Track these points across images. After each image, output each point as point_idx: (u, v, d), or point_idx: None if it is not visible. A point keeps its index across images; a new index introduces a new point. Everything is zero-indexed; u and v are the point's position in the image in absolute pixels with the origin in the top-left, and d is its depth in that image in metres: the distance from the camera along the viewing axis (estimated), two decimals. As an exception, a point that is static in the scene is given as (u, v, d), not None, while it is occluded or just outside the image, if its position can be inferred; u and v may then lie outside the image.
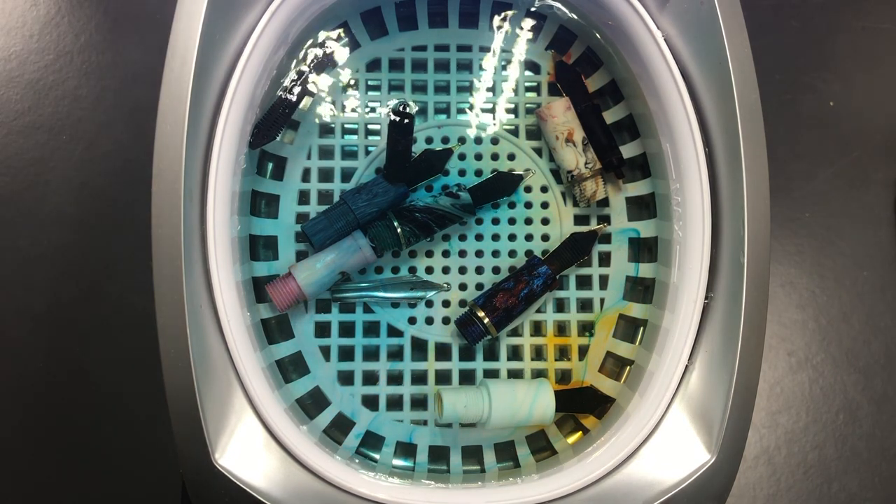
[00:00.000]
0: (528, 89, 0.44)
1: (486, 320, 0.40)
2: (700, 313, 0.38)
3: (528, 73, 0.44)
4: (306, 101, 0.42)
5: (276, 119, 0.40)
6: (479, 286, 0.42)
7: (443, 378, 0.42)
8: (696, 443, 0.36)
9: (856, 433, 0.46)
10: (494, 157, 0.43)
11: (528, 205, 0.43)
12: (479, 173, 0.43)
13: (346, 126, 0.43)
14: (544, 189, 0.43)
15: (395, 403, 0.42)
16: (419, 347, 0.42)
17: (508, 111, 0.44)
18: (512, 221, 0.43)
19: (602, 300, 0.43)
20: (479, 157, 0.43)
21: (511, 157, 0.43)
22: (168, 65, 0.34)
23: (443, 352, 0.42)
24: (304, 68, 0.41)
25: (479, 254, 0.43)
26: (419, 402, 0.42)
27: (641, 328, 0.42)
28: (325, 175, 0.42)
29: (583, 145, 0.42)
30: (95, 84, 0.47)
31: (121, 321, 0.45)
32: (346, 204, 0.40)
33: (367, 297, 0.41)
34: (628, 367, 0.42)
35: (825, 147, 0.49)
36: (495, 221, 0.43)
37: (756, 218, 0.36)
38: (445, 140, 0.43)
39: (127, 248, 0.45)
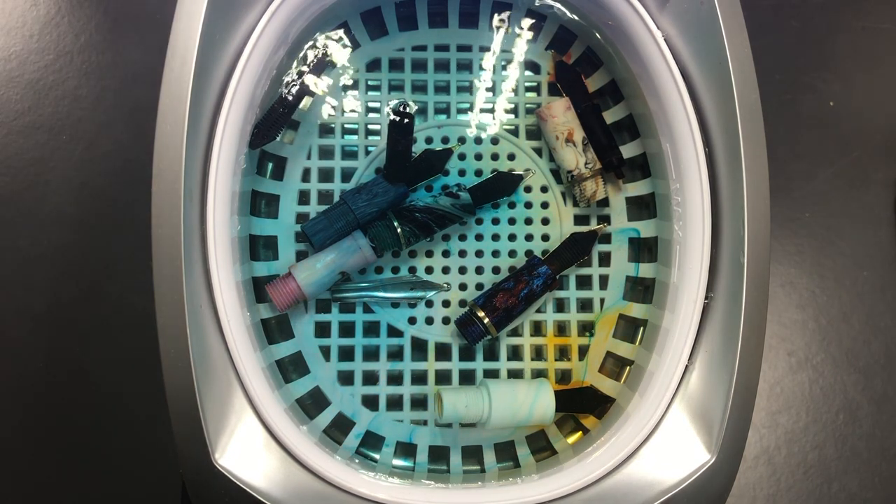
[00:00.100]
0: (528, 89, 0.44)
1: (486, 320, 0.40)
2: (700, 313, 0.38)
3: (528, 73, 0.44)
4: (306, 101, 0.42)
5: (276, 119, 0.40)
6: (479, 286, 0.42)
7: (443, 378, 0.42)
8: (696, 443, 0.36)
9: (856, 433, 0.46)
10: (494, 157, 0.43)
11: (528, 205, 0.43)
12: (479, 173, 0.43)
13: (346, 126, 0.43)
14: (544, 189, 0.43)
15: (395, 403, 0.42)
16: (419, 347, 0.42)
17: (508, 111, 0.44)
18: (512, 221, 0.43)
19: (602, 300, 0.43)
20: (479, 157, 0.43)
21: (511, 157, 0.43)
22: (168, 65, 0.34)
23: (443, 352, 0.42)
24: (304, 68, 0.41)
25: (479, 254, 0.43)
26: (419, 402, 0.42)
27: (641, 328, 0.42)
28: (325, 175, 0.42)
29: (583, 145, 0.42)
30: (95, 84, 0.47)
31: (121, 321, 0.45)
32: (346, 204, 0.40)
33: (367, 297, 0.41)
34: (628, 367, 0.42)
35: (825, 147, 0.49)
36: (495, 221, 0.43)
37: (756, 218, 0.36)
38: (445, 140, 0.43)
39: (127, 248, 0.45)
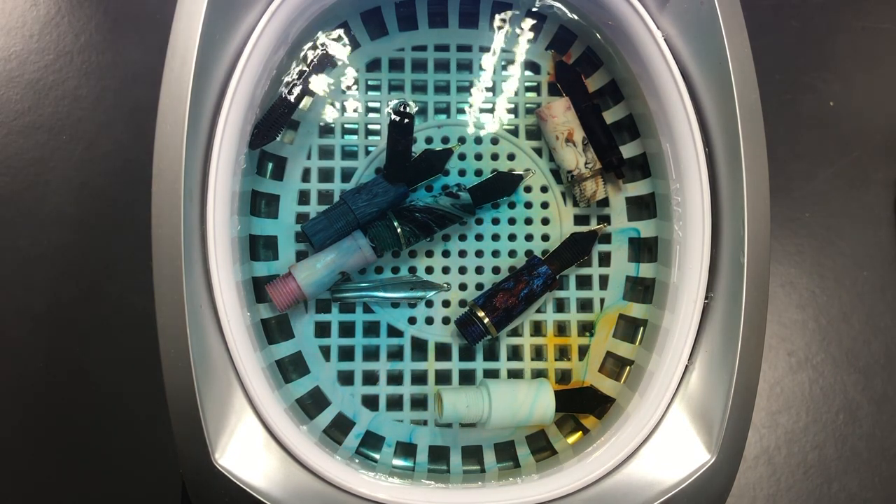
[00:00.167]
0: (528, 89, 0.44)
1: (486, 320, 0.40)
2: (700, 313, 0.38)
3: (528, 73, 0.44)
4: (306, 101, 0.42)
5: (276, 119, 0.40)
6: (479, 286, 0.42)
7: (443, 378, 0.42)
8: (696, 443, 0.36)
9: (856, 433, 0.46)
10: (494, 157, 0.43)
11: (528, 205, 0.43)
12: (479, 173, 0.43)
13: (346, 126, 0.43)
14: (544, 189, 0.43)
15: (395, 403, 0.42)
16: (419, 347, 0.42)
17: (508, 111, 0.44)
18: (512, 221, 0.43)
19: (602, 300, 0.43)
20: (479, 157, 0.43)
21: (511, 157, 0.43)
22: (168, 65, 0.34)
23: (443, 352, 0.42)
24: (305, 68, 0.41)
25: (479, 254, 0.43)
26: (419, 402, 0.42)
27: (641, 328, 0.42)
28: (325, 175, 0.42)
29: (583, 145, 0.42)
30: (95, 84, 0.47)
31: (121, 321, 0.45)
32: (346, 204, 0.40)
33: (367, 297, 0.41)
34: (628, 367, 0.42)
35: (825, 147, 0.49)
36: (495, 221, 0.43)
37: (756, 218, 0.36)
38: (445, 140, 0.43)
39: (127, 248, 0.45)
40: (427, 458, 0.40)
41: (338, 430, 0.41)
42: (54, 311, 0.45)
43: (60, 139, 0.47)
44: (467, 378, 0.42)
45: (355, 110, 0.43)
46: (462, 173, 0.43)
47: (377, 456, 0.40)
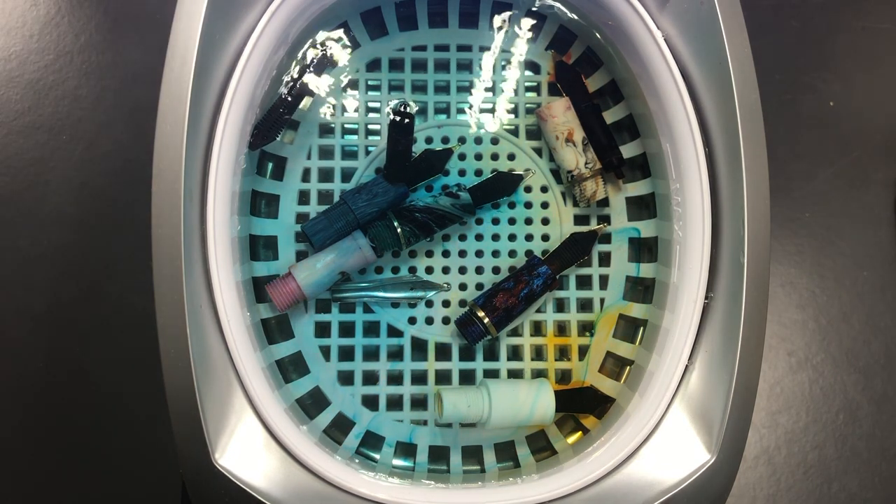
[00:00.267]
0: (528, 89, 0.44)
1: (486, 320, 0.40)
2: (700, 313, 0.38)
3: (528, 73, 0.44)
4: (306, 101, 0.42)
5: (275, 120, 0.40)
6: (479, 286, 0.42)
7: (443, 378, 0.42)
8: (696, 443, 0.36)
9: (856, 433, 0.46)
10: (494, 157, 0.43)
11: (528, 205, 0.43)
12: (479, 173, 0.43)
13: (346, 126, 0.43)
14: (544, 189, 0.43)
15: (395, 403, 0.42)
16: (419, 347, 0.42)
17: (508, 111, 0.44)
18: (512, 221, 0.43)
19: (602, 300, 0.43)
20: (479, 157, 0.43)
21: (511, 157, 0.43)
22: (168, 65, 0.34)
23: (443, 352, 0.42)
24: (305, 68, 0.41)
25: (479, 254, 0.43)
26: (419, 402, 0.42)
27: (641, 328, 0.42)
28: (325, 175, 0.42)
29: (583, 145, 0.42)
30: (95, 84, 0.47)
31: (121, 321, 0.45)
32: (346, 204, 0.40)
33: (367, 297, 0.41)
34: (628, 367, 0.42)
35: (825, 147, 0.49)
36: (495, 221, 0.43)
37: (756, 218, 0.36)
38: (445, 140, 0.43)
39: (127, 248, 0.45)
40: (427, 458, 0.40)
41: (338, 430, 0.41)
42: (54, 311, 0.45)
43: (60, 139, 0.47)
44: (467, 378, 0.42)
45: (355, 110, 0.43)
46: (462, 173, 0.43)
47: (377, 456, 0.40)
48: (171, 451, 0.41)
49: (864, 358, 0.47)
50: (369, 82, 0.43)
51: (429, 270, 0.42)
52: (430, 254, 0.43)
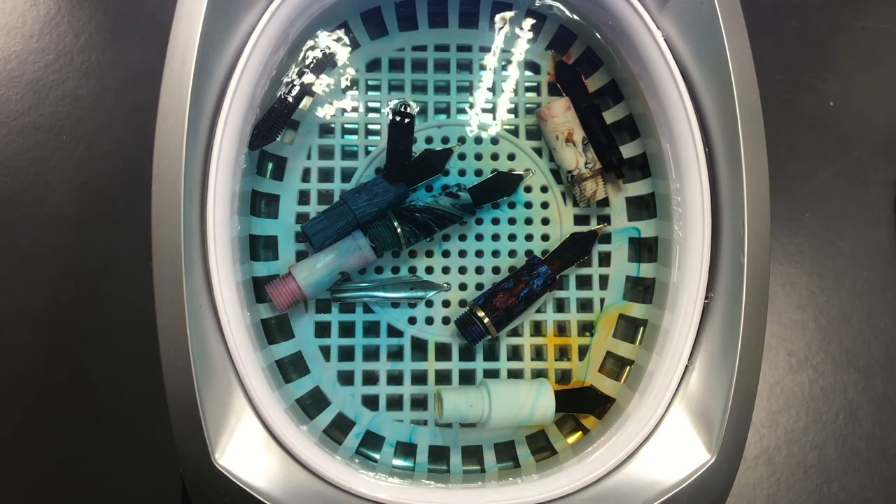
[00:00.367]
0: (528, 89, 0.44)
1: (486, 320, 0.40)
2: (700, 313, 0.38)
3: (528, 73, 0.44)
4: (306, 101, 0.42)
5: (275, 120, 0.40)
6: (479, 286, 0.42)
7: (443, 378, 0.42)
8: (696, 443, 0.36)
9: (856, 433, 0.46)
10: (494, 157, 0.43)
11: (528, 205, 0.43)
12: (479, 173, 0.43)
13: (346, 126, 0.43)
14: (544, 189, 0.43)
15: (395, 403, 0.42)
16: (419, 347, 0.42)
17: (508, 111, 0.44)
18: (512, 221, 0.43)
19: (602, 300, 0.43)
20: (479, 157, 0.43)
21: (511, 157, 0.43)
22: (168, 65, 0.34)
23: (443, 352, 0.42)
24: (304, 68, 0.41)
25: (479, 254, 0.43)
26: (419, 402, 0.42)
27: (641, 328, 0.42)
28: (325, 175, 0.42)
29: (583, 145, 0.42)
30: (95, 84, 0.47)
31: (121, 321, 0.45)
32: (346, 204, 0.40)
33: (367, 297, 0.41)
34: (628, 367, 0.42)
35: (825, 147, 0.49)
36: (495, 221, 0.43)
37: (756, 218, 0.36)
38: (445, 140, 0.43)
39: (127, 248, 0.45)
40: (427, 458, 0.40)
41: (338, 430, 0.41)
42: (54, 311, 0.45)
43: (60, 139, 0.47)
44: (467, 378, 0.42)
45: (355, 110, 0.43)
46: (462, 173, 0.43)
47: (377, 456, 0.40)
48: (171, 451, 0.41)
49: (864, 358, 0.47)
50: (369, 82, 0.43)
51: (429, 270, 0.42)
52: (430, 254, 0.43)
